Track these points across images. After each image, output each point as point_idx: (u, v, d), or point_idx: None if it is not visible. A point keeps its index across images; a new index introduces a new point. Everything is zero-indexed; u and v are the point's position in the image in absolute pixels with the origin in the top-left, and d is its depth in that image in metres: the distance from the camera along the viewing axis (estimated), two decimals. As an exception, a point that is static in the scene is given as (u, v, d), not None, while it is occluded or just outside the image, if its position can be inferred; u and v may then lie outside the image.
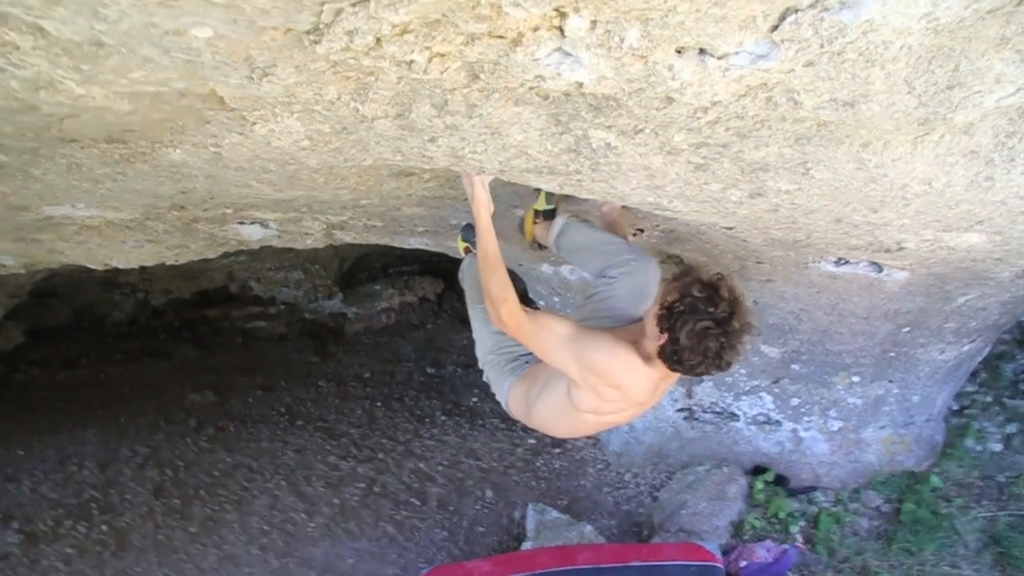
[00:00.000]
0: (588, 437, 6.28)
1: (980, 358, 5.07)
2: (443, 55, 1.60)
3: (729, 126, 1.74)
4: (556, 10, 1.39)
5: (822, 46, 1.38)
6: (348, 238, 4.94)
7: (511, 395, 2.65)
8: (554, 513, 4.88)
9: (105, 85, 1.85)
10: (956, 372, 4.93)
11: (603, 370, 2.24)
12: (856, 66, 1.43)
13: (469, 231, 3.62)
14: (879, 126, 1.63)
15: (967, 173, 1.88)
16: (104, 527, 5.25)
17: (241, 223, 4.49)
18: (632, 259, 2.70)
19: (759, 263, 3.98)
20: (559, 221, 2.99)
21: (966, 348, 4.61)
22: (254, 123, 2.20)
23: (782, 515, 4.70)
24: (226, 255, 7.62)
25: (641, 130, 1.83)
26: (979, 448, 5.11)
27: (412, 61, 1.61)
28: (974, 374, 5.81)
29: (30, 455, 6.18)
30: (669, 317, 2.08)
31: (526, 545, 4.58)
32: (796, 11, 1.32)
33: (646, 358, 2.25)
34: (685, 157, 1.97)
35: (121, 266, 4.89)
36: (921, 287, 3.80)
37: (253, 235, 4.73)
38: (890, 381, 4.85)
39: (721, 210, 2.42)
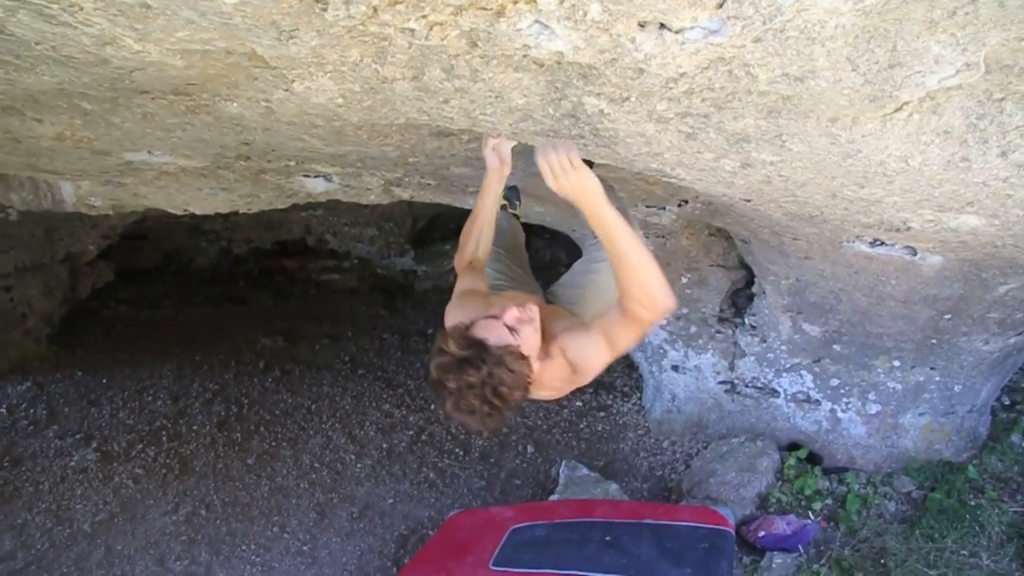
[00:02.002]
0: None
1: (1030, 352, 4.97)
2: (441, 24, 1.79)
3: (704, 97, 1.87)
4: (529, -16, 1.56)
5: (764, 23, 1.50)
6: (406, 195, 5.19)
7: None
8: (584, 470, 5.06)
9: (158, 43, 2.11)
10: (1003, 364, 4.84)
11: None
12: (799, 43, 1.54)
13: (511, 192, 3.83)
14: (834, 101, 1.73)
15: (943, 153, 1.95)
16: (171, 452, 5.74)
17: (306, 176, 4.79)
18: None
19: (795, 239, 4.03)
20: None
21: (1012, 340, 4.54)
22: (293, 80, 2.44)
23: (808, 492, 4.75)
24: (303, 208, 8.03)
25: (627, 98, 1.98)
26: (1024, 444, 5.03)
27: (413, 29, 1.81)
28: (1031, 369, 5.67)
29: (112, 384, 6.78)
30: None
31: (552, 497, 4.79)
32: (738, -11, 1.45)
33: None
34: (674, 126, 2.10)
35: (198, 211, 5.29)
36: (957, 273, 3.78)
37: (317, 187, 5.03)
38: (932, 368, 4.82)
39: (721, 180, 2.53)
